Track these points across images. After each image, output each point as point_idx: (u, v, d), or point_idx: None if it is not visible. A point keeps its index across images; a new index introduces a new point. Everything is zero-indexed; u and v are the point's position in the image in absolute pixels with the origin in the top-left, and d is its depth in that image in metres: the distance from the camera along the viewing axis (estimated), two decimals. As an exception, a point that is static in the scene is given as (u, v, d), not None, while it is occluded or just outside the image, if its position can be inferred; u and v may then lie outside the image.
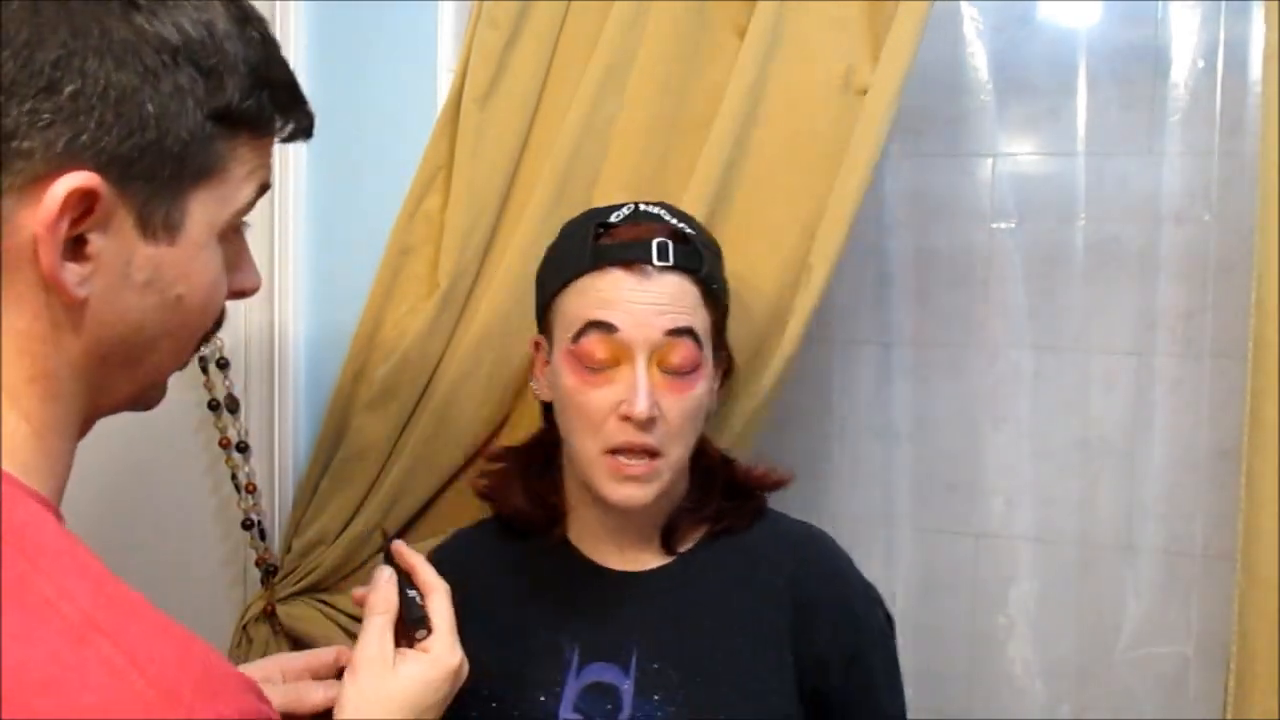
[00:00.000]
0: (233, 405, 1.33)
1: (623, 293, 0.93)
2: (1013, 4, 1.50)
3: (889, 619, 1.07)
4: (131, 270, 0.60)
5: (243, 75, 0.61)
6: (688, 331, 0.93)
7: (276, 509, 1.33)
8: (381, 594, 0.81)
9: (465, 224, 1.23)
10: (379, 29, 1.31)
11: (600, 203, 1.22)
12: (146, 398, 0.68)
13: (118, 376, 0.63)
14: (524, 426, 1.26)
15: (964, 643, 1.56)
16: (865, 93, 1.16)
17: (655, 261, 0.93)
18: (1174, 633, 1.45)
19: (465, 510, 1.28)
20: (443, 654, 0.79)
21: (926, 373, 1.59)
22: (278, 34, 1.29)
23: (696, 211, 1.13)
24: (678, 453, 0.95)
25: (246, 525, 1.32)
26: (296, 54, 1.30)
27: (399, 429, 1.25)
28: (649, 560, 1.02)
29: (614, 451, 0.93)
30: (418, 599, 0.82)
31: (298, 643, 1.31)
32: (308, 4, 1.31)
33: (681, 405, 0.93)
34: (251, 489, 1.33)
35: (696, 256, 0.95)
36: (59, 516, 0.59)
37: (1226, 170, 1.39)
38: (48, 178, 0.55)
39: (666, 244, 0.94)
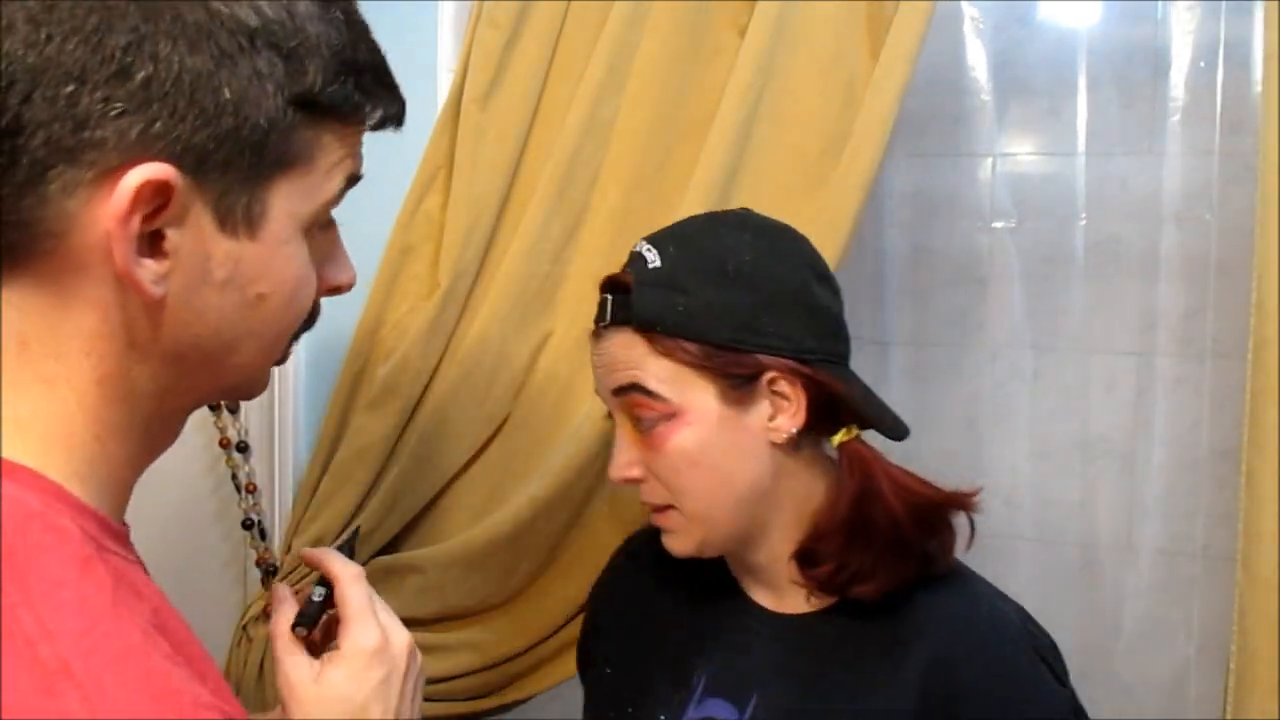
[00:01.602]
0: (233, 405, 1.32)
1: (591, 358, 0.91)
2: (1013, 4, 1.50)
3: None
4: (211, 266, 0.57)
5: (326, 59, 0.57)
6: (632, 388, 0.86)
7: (276, 509, 1.33)
8: (280, 614, 0.75)
9: (465, 224, 1.23)
10: (379, 29, 1.30)
11: (599, 203, 1.23)
12: (238, 394, 0.65)
13: (197, 376, 0.61)
14: (524, 427, 1.26)
15: (964, 643, 1.56)
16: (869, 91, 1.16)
17: (600, 323, 0.89)
18: (1174, 633, 1.45)
19: (465, 511, 1.28)
20: (355, 642, 0.71)
21: (925, 372, 1.59)
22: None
23: (697, 212, 1.13)
24: (692, 504, 0.87)
25: (246, 525, 1.32)
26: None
27: (399, 429, 1.25)
28: (796, 602, 0.91)
29: None
30: (316, 596, 0.76)
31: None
32: (308, 4, 1.31)
33: (661, 461, 0.86)
34: (251, 489, 1.33)
35: (626, 306, 0.86)
36: (107, 529, 0.57)
37: (1227, 170, 1.39)
38: (120, 169, 0.52)
39: (608, 300, 0.88)
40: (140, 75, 0.51)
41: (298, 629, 0.73)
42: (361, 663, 0.70)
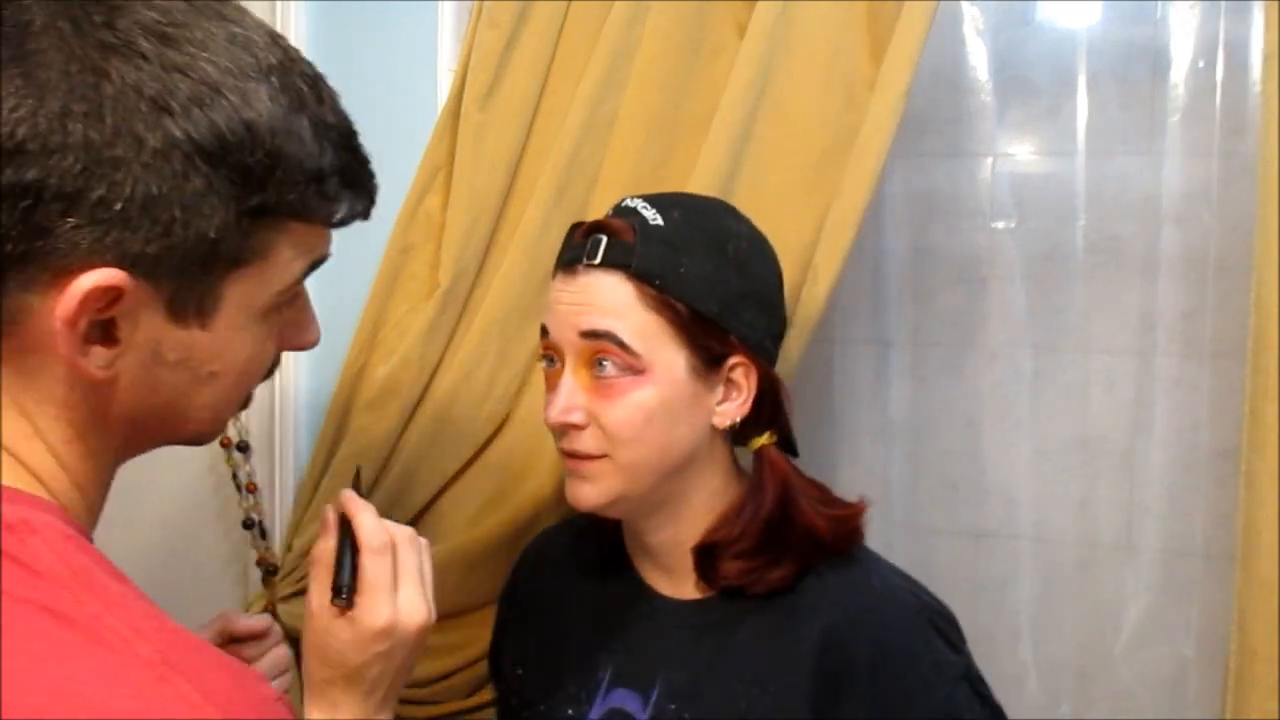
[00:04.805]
0: (233, 405, 1.33)
1: (557, 294, 0.90)
2: (1013, 4, 1.50)
3: (994, 711, 0.90)
4: (163, 351, 0.61)
5: (287, 170, 0.60)
6: (605, 335, 0.85)
7: (277, 509, 1.34)
8: (322, 544, 0.78)
9: (466, 223, 1.23)
10: (379, 29, 1.31)
11: (600, 202, 1.23)
12: (194, 443, 0.70)
13: (155, 434, 0.66)
14: (525, 426, 1.26)
15: (964, 642, 1.56)
16: (869, 90, 1.16)
17: (584, 260, 0.87)
18: (1174, 633, 1.45)
19: (466, 510, 1.28)
20: (363, 616, 0.75)
21: (925, 372, 1.59)
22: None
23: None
24: (630, 456, 0.87)
25: (247, 525, 1.32)
26: (296, 54, 1.30)
27: (399, 429, 1.25)
28: (691, 587, 0.94)
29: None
30: (348, 559, 0.77)
31: (297, 642, 1.31)
32: (308, 4, 1.31)
33: (614, 412, 0.86)
34: (252, 489, 1.33)
35: (626, 252, 0.85)
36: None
37: (1226, 170, 1.39)
38: (76, 271, 0.56)
39: (600, 240, 0.87)
40: (95, 194, 0.55)
41: (336, 601, 0.76)
42: (367, 637, 0.75)
